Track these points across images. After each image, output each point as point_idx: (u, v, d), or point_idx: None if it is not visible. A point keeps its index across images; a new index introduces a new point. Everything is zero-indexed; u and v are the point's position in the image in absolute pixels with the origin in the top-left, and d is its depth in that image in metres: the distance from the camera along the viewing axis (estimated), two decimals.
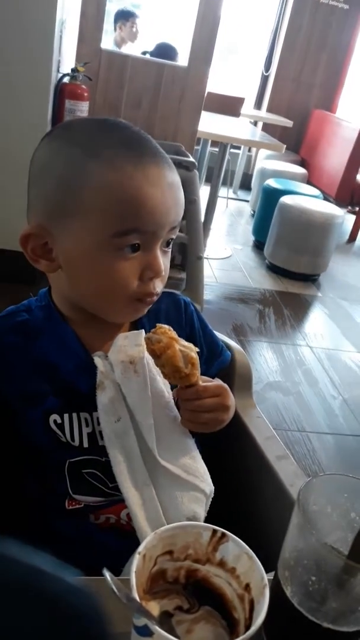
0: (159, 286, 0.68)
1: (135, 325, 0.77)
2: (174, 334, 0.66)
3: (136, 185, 0.62)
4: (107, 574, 0.38)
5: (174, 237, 0.69)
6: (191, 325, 0.83)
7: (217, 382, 0.73)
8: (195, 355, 0.66)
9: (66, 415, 0.70)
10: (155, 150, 0.65)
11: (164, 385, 0.72)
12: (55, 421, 0.70)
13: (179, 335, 0.73)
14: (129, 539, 0.67)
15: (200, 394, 0.68)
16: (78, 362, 0.71)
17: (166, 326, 0.66)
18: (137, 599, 0.40)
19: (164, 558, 0.48)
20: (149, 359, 0.70)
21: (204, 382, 0.69)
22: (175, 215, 0.66)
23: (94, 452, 0.71)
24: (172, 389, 0.74)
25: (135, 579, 0.42)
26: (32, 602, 0.30)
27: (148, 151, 0.64)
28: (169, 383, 0.69)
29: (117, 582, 0.39)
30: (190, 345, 0.67)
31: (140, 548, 0.44)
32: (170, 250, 0.70)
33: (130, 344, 0.71)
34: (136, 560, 0.43)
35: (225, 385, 0.73)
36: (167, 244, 0.69)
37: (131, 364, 0.69)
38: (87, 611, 0.33)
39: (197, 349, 0.67)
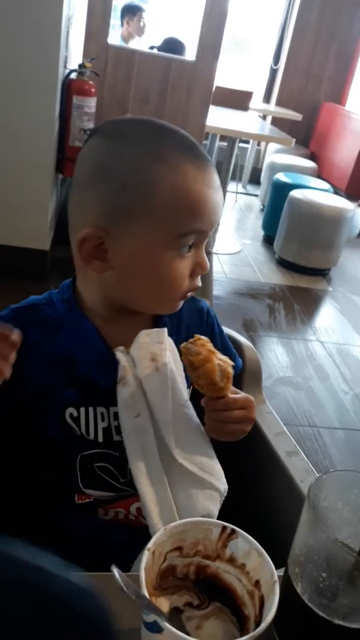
0: (200, 280, 0.72)
1: (156, 323, 0.77)
2: (211, 346, 0.67)
3: (199, 188, 0.65)
4: (116, 571, 0.38)
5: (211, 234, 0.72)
6: (211, 331, 0.84)
7: (245, 394, 0.74)
8: (231, 370, 0.67)
9: (82, 409, 0.71)
10: (205, 154, 0.68)
11: (182, 384, 0.73)
12: (71, 414, 0.70)
13: None
14: (138, 535, 0.67)
15: (230, 406, 0.69)
16: (98, 356, 0.72)
17: (204, 338, 0.68)
18: (147, 595, 0.40)
19: (173, 554, 0.48)
20: (170, 357, 0.71)
21: (233, 393, 0.70)
22: (220, 216, 0.70)
23: (108, 446, 0.71)
24: (188, 386, 0.75)
25: (144, 575, 0.42)
26: (36, 602, 0.30)
27: (202, 154, 0.67)
28: (203, 394, 0.69)
29: (126, 578, 0.39)
30: (227, 358, 0.67)
31: (150, 544, 0.44)
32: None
33: (153, 341, 0.72)
34: (145, 556, 0.43)
35: (252, 398, 0.73)
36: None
37: (153, 361, 0.70)
38: (92, 611, 0.33)
39: (233, 363, 0.68)
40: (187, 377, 0.74)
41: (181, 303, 0.73)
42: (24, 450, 0.75)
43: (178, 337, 0.76)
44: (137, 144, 0.65)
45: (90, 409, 0.71)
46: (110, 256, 0.67)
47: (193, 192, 0.65)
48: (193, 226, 0.66)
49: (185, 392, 0.73)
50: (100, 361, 0.71)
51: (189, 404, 0.73)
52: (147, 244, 0.66)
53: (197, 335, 0.67)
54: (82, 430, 0.70)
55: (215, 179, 0.68)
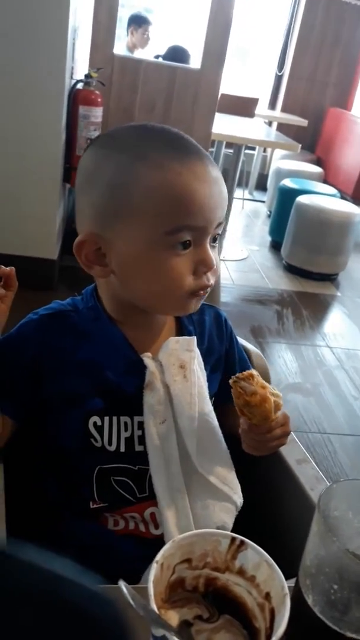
0: (211, 279, 0.69)
1: (181, 330, 0.78)
2: (261, 379, 0.66)
3: (184, 182, 0.62)
4: (123, 585, 0.38)
5: (220, 232, 0.69)
6: (230, 340, 0.84)
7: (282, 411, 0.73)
8: (281, 402, 0.67)
9: (107, 418, 0.70)
10: (197, 148, 0.66)
11: (207, 393, 0.74)
12: (95, 423, 0.70)
13: (219, 350, 0.78)
14: (148, 546, 0.67)
15: (272, 427, 0.68)
16: (126, 362, 0.72)
17: (255, 372, 0.66)
18: (155, 609, 0.40)
19: (182, 566, 0.47)
20: (197, 365, 0.72)
21: None
22: (222, 211, 0.67)
23: (128, 458, 0.71)
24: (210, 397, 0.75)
25: (152, 588, 0.41)
26: (50, 609, 0.29)
27: (191, 149, 0.65)
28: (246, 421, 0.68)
29: (134, 593, 0.38)
30: (276, 391, 0.67)
31: (158, 557, 0.44)
32: (217, 245, 0.70)
33: (182, 349, 0.72)
34: (154, 569, 0.43)
35: (287, 414, 0.73)
36: (214, 240, 0.69)
37: (182, 368, 0.71)
38: (108, 619, 0.32)
39: (280, 394, 0.67)
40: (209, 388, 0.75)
41: (194, 303, 0.70)
42: (40, 459, 0.75)
43: (202, 346, 0.77)
44: (122, 148, 0.65)
45: (114, 418, 0.71)
46: (109, 260, 0.67)
47: (178, 187, 0.62)
48: (181, 222, 0.63)
49: (209, 403, 0.73)
50: (127, 367, 0.72)
51: (213, 414, 0.74)
52: (138, 244, 0.65)
53: (248, 371, 0.66)
54: (104, 440, 0.70)
55: (208, 172, 0.64)
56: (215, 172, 0.66)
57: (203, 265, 0.66)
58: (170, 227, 0.63)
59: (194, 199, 0.63)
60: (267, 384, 0.66)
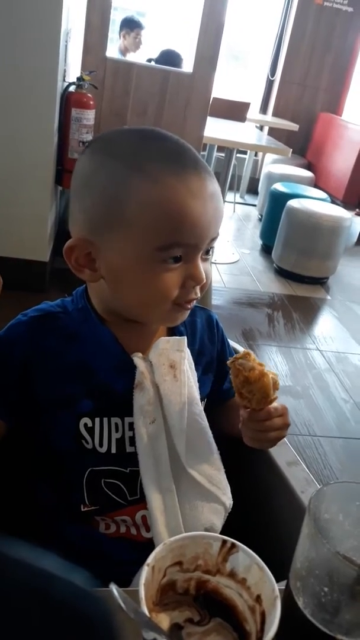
0: (199, 292, 0.68)
1: (172, 331, 0.77)
2: (257, 359, 0.67)
3: (179, 198, 0.61)
4: (114, 588, 0.38)
5: (214, 245, 0.68)
6: (222, 342, 0.85)
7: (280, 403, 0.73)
8: (279, 381, 0.67)
9: (97, 419, 0.70)
10: (196, 161, 0.64)
11: (197, 394, 0.73)
12: (85, 425, 0.70)
13: (211, 352, 0.79)
14: (139, 550, 0.67)
15: (271, 414, 0.68)
16: (116, 363, 0.71)
17: (251, 352, 0.67)
18: (146, 612, 0.40)
19: (173, 569, 0.47)
20: (187, 366, 0.72)
21: None
22: (216, 227, 0.66)
23: (119, 460, 0.71)
24: (201, 399, 0.75)
25: (144, 591, 0.41)
26: (39, 605, 0.29)
27: (189, 162, 0.63)
28: (245, 406, 0.68)
29: (125, 596, 0.38)
30: (273, 371, 0.67)
31: (149, 560, 0.44)
32: (210, 256, 0.69)
33: (172, 349, 0.72)
34: (145, 572, 0.43)
35: (286, 406, 0.73)
36: (207, 252, 0.68)
37: (171, 368, 0.71)
38: (96, 615, 0.32)
39: (277, 373, 0.68)
40: (201, 389, 0.75)
41: (181, 314, 0.70)
42: (31, 460, 0.75)
43: (193, 348, 0.77)
44: (118, 156, 0.64)
45: (105, 420, 0.70)
46: (98, 266, 0.67)
47: (172, 203, 0.61)
48: (173, 239, 0.62)
49: (199, 403, 0.73)
50: (117, 367, 0.71)
51: (203, 415, 0.74)
52: (128, 256, 0.64)
53: (245, 350, 0.67)
54: (94, 442, 0.70)
55: (205, 188, 0.63)
56: (212, 187, 0.64)
57: (192, 280, 0.66)
58: (162, 243, 0.62)
59: (188, 216, 0.61)
60: (263, 363, 0.66)
